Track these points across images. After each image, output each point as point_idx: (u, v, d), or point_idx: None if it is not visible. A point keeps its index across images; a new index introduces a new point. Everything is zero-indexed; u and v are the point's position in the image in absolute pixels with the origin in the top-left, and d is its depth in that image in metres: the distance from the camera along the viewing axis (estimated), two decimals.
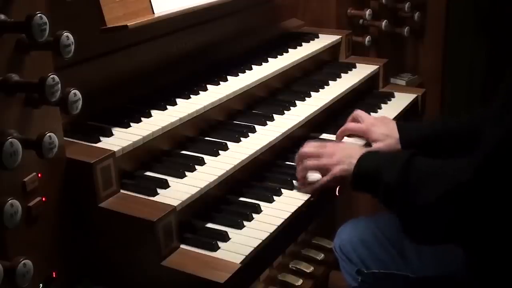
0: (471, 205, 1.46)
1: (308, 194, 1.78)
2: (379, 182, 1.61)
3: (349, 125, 2.12)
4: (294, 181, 1.85)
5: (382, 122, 2.12)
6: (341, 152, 1.79)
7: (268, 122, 2.04)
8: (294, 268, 2.81)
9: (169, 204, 1.55)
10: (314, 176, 1.80)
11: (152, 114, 1.86)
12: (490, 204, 1.45)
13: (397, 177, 1.56)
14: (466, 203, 1.46)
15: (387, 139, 2.02)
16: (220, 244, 1.56)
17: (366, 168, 1.69)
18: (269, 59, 2.36)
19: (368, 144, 2.08)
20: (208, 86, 2.07)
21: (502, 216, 1.47)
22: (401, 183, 1.55)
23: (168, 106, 1.91)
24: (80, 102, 1.43)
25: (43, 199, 1.45)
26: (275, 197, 1.77)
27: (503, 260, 1.60)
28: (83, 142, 1.65)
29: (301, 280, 2.73)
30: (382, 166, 1.63)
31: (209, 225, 1.66)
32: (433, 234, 1.55)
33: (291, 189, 1.82)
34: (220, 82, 2.12)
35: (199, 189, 1.66)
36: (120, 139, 1.70)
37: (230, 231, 1.60)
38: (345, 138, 2.13)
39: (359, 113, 2.14)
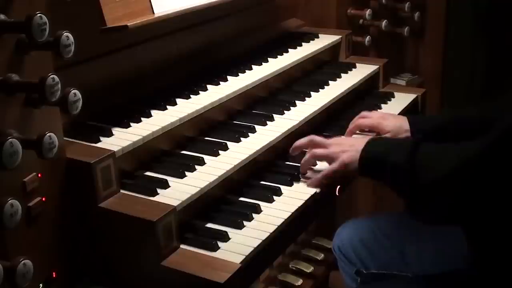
0: (477, 184, 1.47)
1: (308, 194, 1.78)
2: (386, 164, 1.63)
3: (359, 121, 2.12)
4: (294, 181, 1.85)
5: (392, 115, 2.14)
6: (347, 141, 1.84)
7: (268, 122, 2.04)
8: (294, 268, 2.81)
9: (169, 204, 1.55)
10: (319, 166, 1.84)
11: (152, 114, 1.86)
12: (495, 184, 1.46)
13: (405, 157, 1.58)
14: (471, 181, 1.48)
15: (399, 130, 2.04)
16: (220, 244, 1.56)
17: (373, 152, 1.71)
18: (269, 59, 2.36)
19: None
20: (208, 86, 2.07)
21: (506, 200, 1.47)
22: (409, 163, 1.57)
23: (168, 106, 1.91)
24: (80, 102, 1.43)
25: (43, 199, 1.45)
26: (275, 197, 1.77)
27: (507, 251, 1.61)
28: (83, 142, 1.65)
29: (301, 280, 2.74)
30: (389, 148, 1.66)
31: (209, 225, 1.66)
32: (439, 213, 1.55)
33: (291, 189, 1.82)
34: (220, 82, 2.12)
35: (199, 189, 1.66)
36: (120, 139, 1.70)
37: (230, 231, 1.60)
38: (354, 135, 2.14)
39: (365, 113, 2.14)
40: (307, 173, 1.86)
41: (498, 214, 1.52)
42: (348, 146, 1.78)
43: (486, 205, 1.50)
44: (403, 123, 2.05)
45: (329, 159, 1.81)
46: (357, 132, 2.15)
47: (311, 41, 2.63)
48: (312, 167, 1.88)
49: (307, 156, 1.85)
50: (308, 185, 1.82)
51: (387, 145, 1.70)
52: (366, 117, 2.13)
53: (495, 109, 1.83)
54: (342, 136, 2.09)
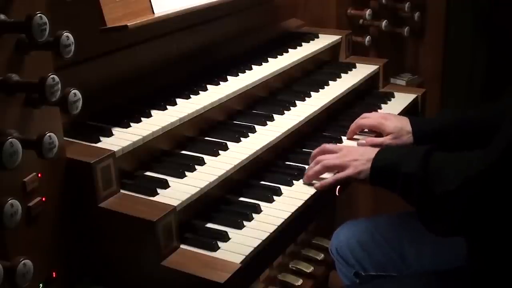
0: (486, 196, 1.47)
1: (308, 194, 1.78)
2: (397, 173, 1.63)
3: (360, 121, 2.12)
4: (294, 181, 1.85)
5: (393, 116, 2.13)
6: (358, 151, 1.83)
7: (268, 122, 2.04)
8: (294, 268, 2.81)
9: (169, 204, 1.55)
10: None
11: (152, 114, 1.86)
12: (505, 196, 1.46)
13: (417, 167, 1.58)
14: (481, 193, 1.48)
15: (401, 132, 2.03)
16: (220, 244, 1.56)
17: (384, 161, 1.71)
18: (269, 59, 2.36)
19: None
20: (208, 86, 2.07)
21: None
22: (421, 173, 1.57)
23: (168, 106, 1.91)
24: (80, 102, 1.43)
25: (43, 199, 1.45)
26: (275, 197, 1.77)
27: (507, 252, 1.61)
28: (83, 142, 1.65)
29: (301, 280, 2.74)
30: (401, 158, 1.66)
31: (209, 225, 1.66)
32: (450, 223, 1.55)
33: (291, 189, 1.82)
34: (220, 82, 2.12)
35: (199, 189, 1.66)
36: (120, 139, 1.70)
37: (230, 231, 1.60)
38: (355, 136, 2.14)
39: (366, 114, 2.14)
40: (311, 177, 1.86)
41: (504, 221, 1.52)
42: (358, 155, 1.77)
43: (496, 216, 1.50)
44: (405, 124, 2.04)
45: (341, 168, 1.80)
46: (358, 132, 2.15)
47: (311, 41, 2.63)
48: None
49: (318, 167, 1.83)
50: (317, 187, 1.81)
51: (398, 154, 1.69)
52: (367, 117, 2.12)
53: (495, 110, 1.82)
54: (346, 142, 2.09)
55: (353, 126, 2.12)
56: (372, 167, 1.72)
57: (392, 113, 2.22)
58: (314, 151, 1.90)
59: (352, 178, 1.78)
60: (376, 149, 1.77)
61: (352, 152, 1.81)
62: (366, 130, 2.16)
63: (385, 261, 2.02)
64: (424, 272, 1.89)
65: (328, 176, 1.83)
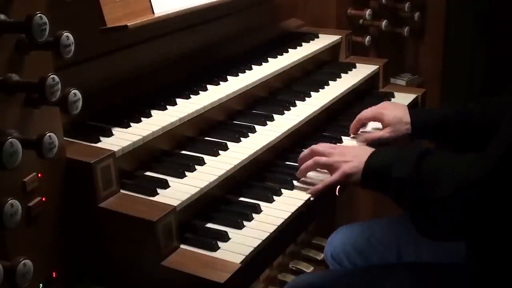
0: (483, 202, 1.46)
1: (308, 194, 1.78)
2: (389, 176, 1.60)
3: (361, 114, 2.11)
4: (294, 181, 1.85)
5: (394, 105, 2.13)
6: (351, 151, 1.79)
7: (268, 122, 2.04)
8: (294, 268, 2.81)
9: (169, 204, 1.55)
10: (318, 176, 1.83)
11: (152, 114, 1.86)
12: (502, 201, 1.45)
13: (410, 171, 1.56)
14: (480, 197, 1.46)
15: (399, 122, 2.03)
16: (220, 244, 1.56)
17: (376, 164, 1.68)
18: (269, 59, 2.36)
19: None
20: (208, 86, 2.07)
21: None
22: (414, 177, 1.55)
23: (168, 106, 1.91)
24: (80, 102, 1.43)
25: (43, 199, 1.45)
26: (275, 197, 1.77)
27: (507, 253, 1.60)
28: (83, 142, 1.65)
29: None
30: (393, 161, 1.63)
31: (209, 225, 1.66)
32: (445, 228, 1.54)
33: (291, 189, 1.81)
34: (220, 82, 2.12)
35: (199, 189, 1.66)
36: (120, 139, 1.70)
37: (230, 231, 1.60)
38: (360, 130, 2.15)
39: (365, 111, 2.14)
40: (305, 178, 1.85)
41: (502, 225, 1.51)
42: (351, 157, 1.74)
43: (492, 220, 1.49)
44: (404, 115, 2.03)
45: (331, 168, 1.78)
46: (361, 129, 2.15)
47: (311, 41, 2.63)
48: (310, 174, 1.86)
49: (309, 162, 1.82)
50: (308, 193, 1.79)
51: (390, 157, 1.66)
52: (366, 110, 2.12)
53: (495, 103, 1.82)
54: (346, 142, 2.09)
55: (354, 121, 2.12)
56: (364, 170, 1.69)
57: (392, 102, 2.21)
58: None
59: (342, 182, 1.76)
60: (371, 150, 1.74)
61: (346, 153, 1.78)
62: (369, 129, 2.16)
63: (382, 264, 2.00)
64: (424, 266, 1.87)
65: (319, 177, 1.83)
